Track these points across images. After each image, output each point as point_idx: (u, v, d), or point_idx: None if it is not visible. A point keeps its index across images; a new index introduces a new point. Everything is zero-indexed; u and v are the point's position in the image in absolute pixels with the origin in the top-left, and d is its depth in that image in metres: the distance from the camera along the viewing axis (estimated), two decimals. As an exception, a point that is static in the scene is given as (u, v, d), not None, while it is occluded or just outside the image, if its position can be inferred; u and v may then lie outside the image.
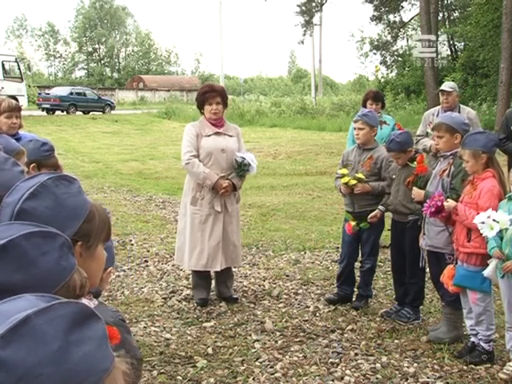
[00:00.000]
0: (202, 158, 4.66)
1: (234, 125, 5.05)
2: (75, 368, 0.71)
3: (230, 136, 4.77)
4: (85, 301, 1.11)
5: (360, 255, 4.87)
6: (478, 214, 3.54)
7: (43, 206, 1.26)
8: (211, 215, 4.66)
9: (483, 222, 3.37)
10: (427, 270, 4.40)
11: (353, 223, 4.60)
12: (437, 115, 5.57)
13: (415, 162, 4.19)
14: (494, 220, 3.34)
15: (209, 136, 4.69)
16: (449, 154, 3.94)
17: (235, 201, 4.82)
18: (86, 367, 0.72)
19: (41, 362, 0.69)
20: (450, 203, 3.65)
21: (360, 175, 4.54)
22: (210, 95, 4.70)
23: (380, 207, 4.54)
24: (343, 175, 4.59)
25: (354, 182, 4.52)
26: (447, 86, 5.98)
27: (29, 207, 1.25)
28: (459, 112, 5.76)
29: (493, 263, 3.49)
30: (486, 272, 3.53)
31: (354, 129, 4.74)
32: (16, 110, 4.16)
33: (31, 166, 3.09)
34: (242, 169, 4.68)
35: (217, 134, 4.72)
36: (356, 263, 4.98)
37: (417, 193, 4.03)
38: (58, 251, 1.02)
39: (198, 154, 4.67)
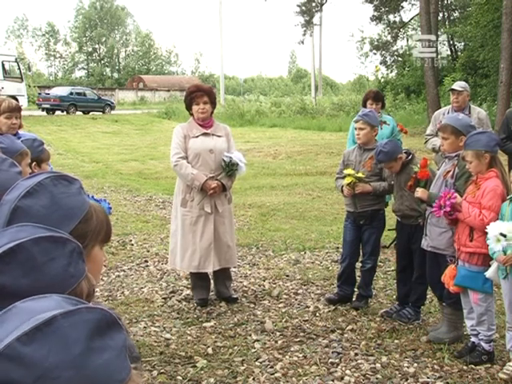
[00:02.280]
0: (190, 160, 4.65)
1: (224, 125, 5.03)
2: (93, 375, 0.71)
3: (219, 136, 4.75)
4: None
5: (361, 255, 4.87)
6: (480, 212, 3.53)
7: (38, 204, 1.25)
8: (202, 216, 4.65)
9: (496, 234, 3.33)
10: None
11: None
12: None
13: (418, 166, 4.16)
14: (501, 234, 3.30)
15: (196, 137, 4.68)
16: (453, 155, 3.93)
17: (226, 201, 4.80)
18: (103, 376, 0.72)
19: (61, 364, 0.69)
20: (457, 198, 3.64)
21: (360, 174, 4.54)
22: (197, 95, 4.69)
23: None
24: (347, 175, 4.56)
25: (350, 179, 4.50)
26: (458, 85, 5.93)
27: (24, 205, 1.24)
28: (469, 112, 5.73)
29: (495, 264, 3.49)
30: (489, 273, 3.53)
31: (355, 129, 4.74)
32: (16, 110, 4.17)
33: (33, 165, 3.13)
34: (230, 168, 4.67)
35: (205, 134, 4.70)
36: (356, 263, 4.99)
37: (421, 191, 4.00)
38: (68, 257, 1.01)
39: (187, 155, 4.67)
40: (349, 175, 4.53)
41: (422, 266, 4.29)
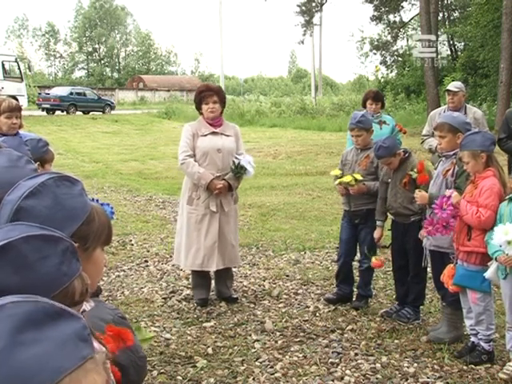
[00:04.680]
0: (197, 158, 4.66)
1: (233, 124, 5.04)
2: (20, 367, 0.70)
3: (228, 136, 4.76)
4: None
5: (359, 255, 4.87)
6: (477, 210, 3.53)
7: (41, 205, 1.25)
8: (207, 215, 4.66)
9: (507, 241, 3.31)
10: (429, 269, 4.40)
11: (377, 259, 4.54)
12: None
13: (415, 170, 4.14)
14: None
15: (205, 136, 4.69)
16: (451, 153, 3.93)
17: (232, 201, 4.81)
18: (34, 367, 0.71)
19: None
20: (455, 196, 3.64)
21: (357, 176, 4.54)
22: (207, 94, 4.70)
23: (378, 223, 4.54)
24: (336, 176, 4.61)
25: (349, 179, 4.52)
26: (453, 85, 5.93)
27: (27, 205, 1.24)
28: (465, 112, 5.72)
29: (494, 265, 3.48)
30: (488, 274, 3.52)
31: (352, 136, 4.73)
32: (16, 110, 4.17)
33: (36, 164, 3.13)
34: (238, 171, 4.68)
35: (213, 133, 4.71)
36: (355, 263, 4.99)
37: (421, 196, 3.99)
38: (60, 256, 1.01)
39: (194, 153, 4.67)
40: (342, 177, 4.56)
41: (416, 266, 4.29)
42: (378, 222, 4.56)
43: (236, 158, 4.70)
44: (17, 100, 5.05)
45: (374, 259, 4.54)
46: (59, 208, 1.27)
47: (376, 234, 4.58)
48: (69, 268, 1.02)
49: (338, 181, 4.60)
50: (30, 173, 1.73)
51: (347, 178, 4.54)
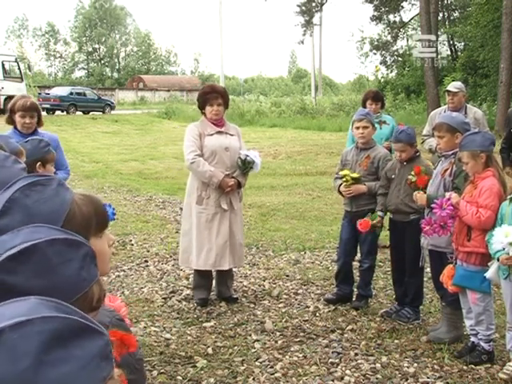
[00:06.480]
0: (206, 157, 4.66)
1: (234, 125, 5.07)
2: None
3: (232, 135, 4.80)
4: None
5: (359, 255, 4.87)
6: (477, 210, 3.53)
7: (15, 221, 1.21)
8: (218, 214, 4.66)
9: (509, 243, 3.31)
10: (427, 269, 4.40)
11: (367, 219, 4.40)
12: None
13: (413, 173, 4.12)
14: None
15: (211, 135, 4.70)
16: (450, 153, 3.93)
17: (239, 199, 4.83)
18: None
19: (5, 380, 0.66)
20: (455, 196, 3.64)
21: (355, 175, 4.53)
22: (212, 96, 4.70)
23: (379, 213, 4.47)
24: (344, 176, 4.58)
25: (345, 172, 4.53)
26: (453, 86, 5.92)
27: (1, 225, 1.20)
28: (465, 112, 5.71)
29: (494, 265, 3.48)
30: (489, 274, 3.52)
31: (357, 128, 4.67)
32: (32, 109, 4.17)
33: (37, 165, 3.14)
34: (246, 166, 4.70)
35: (219, 132, 4.73)
36: (355, 263, 4.98)
37: (420, 197, 3.99)
38: (81, 261, 1.00)
39: (202, 153, 4.68)
40: (345, 175, 4.56)
41: (413, 265, 4.28)
42: (379, 213, 4.44)
43: (242, 154, 4.73)
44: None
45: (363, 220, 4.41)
46: (34, 218, 1.22)
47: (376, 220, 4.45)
48: (88, 273, 1.02)
49: (341, 181, 4.60)
50: (19, 172, 1.71)
51: (343, 172, 4.56)
